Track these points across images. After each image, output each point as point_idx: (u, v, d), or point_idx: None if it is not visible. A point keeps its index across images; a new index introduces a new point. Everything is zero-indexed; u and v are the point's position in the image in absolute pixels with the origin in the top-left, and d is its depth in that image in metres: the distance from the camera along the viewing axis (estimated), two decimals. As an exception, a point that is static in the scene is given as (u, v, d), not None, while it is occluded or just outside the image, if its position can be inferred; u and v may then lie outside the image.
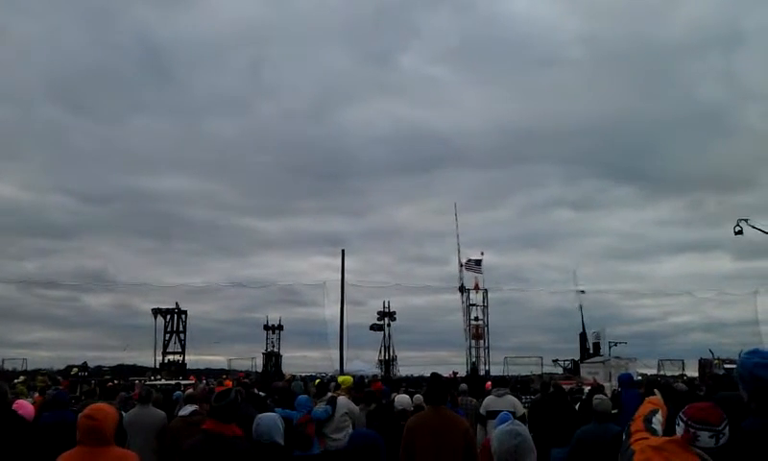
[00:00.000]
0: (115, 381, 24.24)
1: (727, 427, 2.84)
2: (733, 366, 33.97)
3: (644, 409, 3.31)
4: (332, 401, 9.17)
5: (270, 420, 5.07)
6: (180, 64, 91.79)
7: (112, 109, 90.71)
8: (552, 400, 10.97)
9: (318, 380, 17.18)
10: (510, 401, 10.11)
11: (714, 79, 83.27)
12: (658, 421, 3.20)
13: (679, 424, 2.91)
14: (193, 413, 7.54)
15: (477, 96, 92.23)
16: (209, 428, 4.73)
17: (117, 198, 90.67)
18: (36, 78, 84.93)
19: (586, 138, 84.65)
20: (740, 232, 31.02)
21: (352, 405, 9.54)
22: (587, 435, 7.01)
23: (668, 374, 42.36)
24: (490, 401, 10.29)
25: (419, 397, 10.16)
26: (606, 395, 10.00)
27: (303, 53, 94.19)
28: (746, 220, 31.00)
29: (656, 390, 5.16)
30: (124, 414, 8.12)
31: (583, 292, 51.39)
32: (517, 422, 4.03)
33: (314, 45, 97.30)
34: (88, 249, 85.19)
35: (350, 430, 9.17)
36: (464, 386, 14.80)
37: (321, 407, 9.04)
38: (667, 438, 2.92)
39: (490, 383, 16.06)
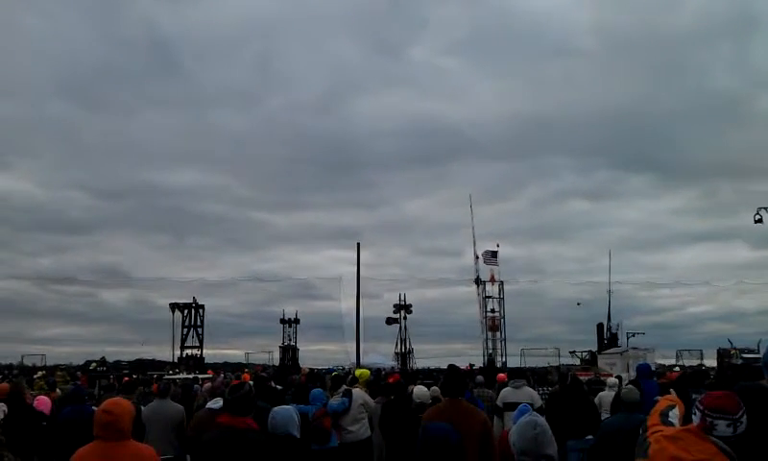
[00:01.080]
0: (134, 376, 24.41)
1: (744, 416, 2.80)
2: (753, 355, 33.78)
3: (661, 405, 3.28)
4: (348, 394, 9.20)
5: (285, 412, 5.05)
6: (189, 58, 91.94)
7: (123, 103, 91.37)
8: (569, 391, 10.89)
9: (335, 373, 17.22)
10: (527, 393, 10.05)
11: (727, 66, 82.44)
12: (674, 415, 3.17)
13: (695, 414, 2.87)
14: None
15: (489, 87, 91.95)
16: (224, 422, 4.73)
17: (130, 193, 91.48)
18: (47, 74, 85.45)
19: (599, 128, 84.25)
20: (760, 221, 30.67)
21: (368, 397, 9.58)
22: (610, 426, 6.93)
23: (687, 364, 42.09)
24: (507, 393, 10.23)
25: (435, 389, 10.15)
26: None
27: (313, 45, 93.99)
28: (766, 208, 30.63)
29: (671, 390, 5.07)
30: (142, 408, 8.19)
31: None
32: (537, 413, 4.00)
33: (324, 37, 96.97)
34: (103, 244, 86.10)
35: (367, 422, 9.20)
36: (480, 378, 14.76)
37: (337, 400, 9.08)
38: (683, 427, 2.88)
39: (504, 375, 16.05)
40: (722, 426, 2.76)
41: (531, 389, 10.60)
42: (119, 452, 4.23)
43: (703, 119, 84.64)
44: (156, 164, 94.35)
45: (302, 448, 5.15)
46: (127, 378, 16.00)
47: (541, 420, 3.69)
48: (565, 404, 10.23)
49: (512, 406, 8.82)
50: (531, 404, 9.48)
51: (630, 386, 8.05)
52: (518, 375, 11.18)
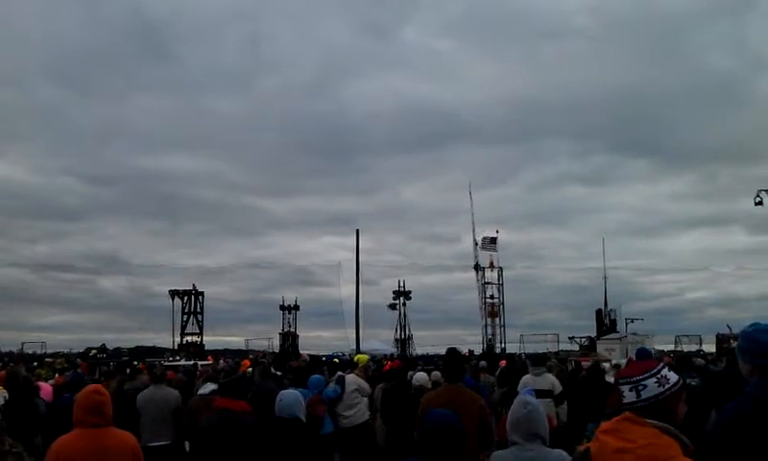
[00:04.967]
0: (135, 363, 24.46)
1: (650, 379, 2.68)
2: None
3: None
4: (340, 381, 9.29)
5: (292, 396, 5.11)
6: (179, 41, 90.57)
7: (113, 88, 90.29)
8: (588, 377, 10.72)
9: (336, 360, 17.28)
10: (549, 381, 9.82)
11: (726, 47, 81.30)
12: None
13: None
14: (213, 392, 7.58)
15: (484, 69, 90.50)
16: (220, 406, 4.77)
17: (125, 179, 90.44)
18: (36, 59, 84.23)
19: (596, 111, 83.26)
20: (760, 203, 30.53)
21: (362, 382, 9.63)
22: None
23: (685, 349, 42.18)
24: (527, 380, 9.93)
25: (436, 374, 10.17)
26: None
27: (304, 26, 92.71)
28: (766, 191, 30.49)
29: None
30: (138, 395, 8.19)
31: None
32: (529, 393, 4.03)
33: (314, 18, 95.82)
34: (99, 231, 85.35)
35: (363, 407, 9.27)
36: (483, 363, 14.74)
37: (330, 387, 9.19)
38: (620, 417, 2.71)
39: (504, 361, 16.02)
40: (626, 392, 2.68)
41: (552, 376, 10.34)
42: (107, 441, 4.17)
43: (701, 102, 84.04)
44: (149, 150, 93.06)
45: (309, 431, 5.20)
46: (131, 367, 15.88)
47: (532, 399, 3.73)
48: (582, 389, 10.06)
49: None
50: (551, 391, 9.44)
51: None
52: (539, 361, 10.75)
